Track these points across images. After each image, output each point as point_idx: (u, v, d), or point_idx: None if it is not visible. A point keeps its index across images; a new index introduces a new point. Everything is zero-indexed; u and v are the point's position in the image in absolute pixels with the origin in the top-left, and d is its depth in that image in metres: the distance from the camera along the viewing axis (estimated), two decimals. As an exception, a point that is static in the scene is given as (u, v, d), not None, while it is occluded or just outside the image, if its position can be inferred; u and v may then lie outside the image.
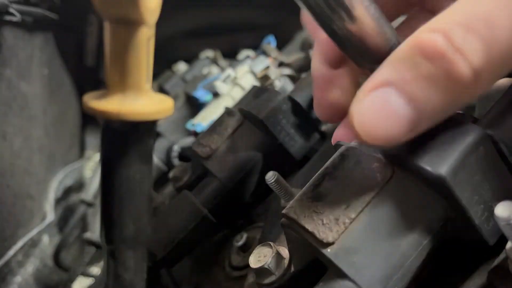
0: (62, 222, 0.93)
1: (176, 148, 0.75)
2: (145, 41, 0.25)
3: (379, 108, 0.23)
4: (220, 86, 0.75)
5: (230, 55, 0.99)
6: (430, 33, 0.22)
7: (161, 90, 1.02)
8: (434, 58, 0.21)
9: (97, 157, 1.12)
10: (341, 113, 0.34)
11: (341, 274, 0.27)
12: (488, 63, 0.21)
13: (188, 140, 0.76)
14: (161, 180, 0.75)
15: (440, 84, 0.22)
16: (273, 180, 0.41)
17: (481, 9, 0.21)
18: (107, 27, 0.25)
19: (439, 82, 0.22)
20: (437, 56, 0.21)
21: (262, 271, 0.34)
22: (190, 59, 1.09)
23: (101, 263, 0.83)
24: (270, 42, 0.86)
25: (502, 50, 0.21)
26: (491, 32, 0.21)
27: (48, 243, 0.87)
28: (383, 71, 0.24)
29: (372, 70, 0.26)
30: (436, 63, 0.21)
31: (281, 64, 0.78)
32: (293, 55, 0.79)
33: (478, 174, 0.27)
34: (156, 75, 1.10)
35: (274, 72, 0.64)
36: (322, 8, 0.27)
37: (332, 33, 0.28)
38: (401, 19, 0.37)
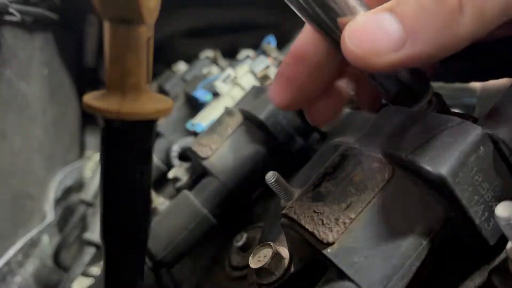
0: (62, 222, 0.94)
1: (176, 148, 0.75)
2: (144, 41, 0.25)
3: (371, 22, 0.25)
4: (220, 86, 0.75)
5: (230, 55, 0.99)
6: None
7: (161, 90, 1.02)
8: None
9: (97, 157, 1.12)
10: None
11: (341, 274, 0.27)
12: None
13: (188, 140, 0.76)
14: (161, 180, 0.75)
15: (428, 6, 0.24)
16: (273, 180, 0.41)
17: None
18: (107, 27, 0.25)
19: (428, 4, 0.24)
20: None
21: (262, 271, 0.34)
22: (190, 59, 1.09)
23: (101, 263, 0.83)
24: (270, 42, 0.86)
25: None
26: None
27: (48, 243, 0.87)
28: (385, 4, 0.26)
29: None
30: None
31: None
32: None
33: (478, 174, 0.27)
34: (156, 75, 1.10)
35: (274, 72, 0.64)
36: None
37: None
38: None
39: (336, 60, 0.34)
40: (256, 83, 0.71)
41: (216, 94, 0.77)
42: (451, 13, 0.24)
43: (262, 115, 0.50)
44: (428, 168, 0.27)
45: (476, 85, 0.49)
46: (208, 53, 1.04)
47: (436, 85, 0.53)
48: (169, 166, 0.75)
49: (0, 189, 0.71)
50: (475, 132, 0.27)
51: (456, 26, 0.24)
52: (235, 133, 0.53)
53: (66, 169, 1.01)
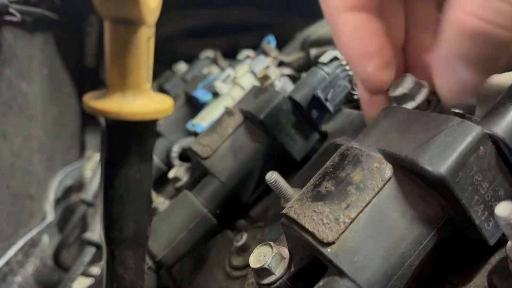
0: (62, 222, 0.94)
1: (176, 148, 0.75)
2: (145, 41, 0.25)
3: (453, 81, 0.30)
4: (220, 86, 0.75)
5: (230, 55, 0.99)
6: (466, 15, 0.28)
7: (161, 90, 1.02)
8: (475, 37, 0.27)
9: (97, 157, 1.13)
10: None
11: (341, 274, 0.28)
12: None
13: (188, 140, 0.76)
14: (161, 180, 0.75)
15: (486, 49, 0.28)
16: (273, 180, 0.41)
17: None
18: (107, 27, 0.25)
19: (485, 50, 0.28)
20: (479, 35, 0.27)
21: (262, 271, 0.34)
22: (190, 59, 1.09)
23: (101, 263, 0.82)
24: (270, 42, 0.86)
25: None
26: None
27: (48, 243, 0.87)
28: (443, 51, 0.29)
29: None
30: (477, 41, 0.28)
31: (281, 64, 0.78)
32: (293, 55, 0.79)
33: (478, 174, 0.27)
34: (156, 75, 1.10)
35: (274, 72, 0.64)
36: None
37: None
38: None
39: None
40: (256, 83, 0.71)
41: (216, 94, 0.77)
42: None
43: (262, 115, 0.50)
44: (428, 168, 0.27)
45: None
46: (208, 53, 1.04)
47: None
48: (169, 166, 0.75)
49: (0, 189, 0.71)
50: (475, 132, 0.27)
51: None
52: (235, 133, 0.53)
53: (66, 169, 1.01)
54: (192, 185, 0.55)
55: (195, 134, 0.72)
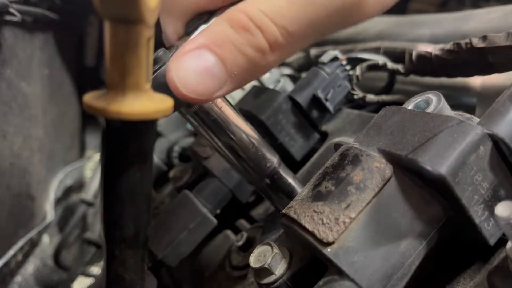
0: (62, 222, 0.93)
1: (176, 148, 0.75)
2: (145, 41, 0.25)
3: (196, 65, 0.28)
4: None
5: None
6: (237, 12, 0.28)
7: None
8: (240, 30, 0.28)
9: (97, 157, 1.13)
10: None
11: (341, 274, 0.28)
12: (281, 41, 0.28)
13: (188, 140, 0.76)
14: (161, 180, 0.75)
15: (243, 50, 0.28)
16: (273, 180, 0.41)
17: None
18: (107, 27, 0.25)
19: (243, 48, 0.28)
20: (243, 29, 0.28)
21: (262, 271, 0.34)
22: (190, 59, 1.09)
23: (101, 263, 0.82)
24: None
25: (292, 34, 0.28)
26: (284, 20, 0.28)
27: (48, 243, 0.87)
28: (199, 37, 0.29)
29: None
30: (241, 34, 0.28)
31: (281, 64, 0.78)
32: (293, 55, 0.78)
33: (478, 174, 0.27)
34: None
35: (274, 73, 0.64)
36: None
37: None
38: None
39: None
40: (256, 83, 0.71)
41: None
42: (263, 54, 0.29)
43: (262, 115, 0.50)
44: (428, 167, 0.27)
45: (476, 83, 0.49)
46: (208, 53, 1.04)
47: (436, 85, 0.53)
48: (169, 166, 0.75)
49: (0, 189, 0.71)
50: (475, 131, 0.27)
51: (264, 63, 0.29)
52: (235, 133, 0.53)
53: (66, 169, 1.01)
54: (192, 185, 0.55)
55: (195, 134, 0.72)
